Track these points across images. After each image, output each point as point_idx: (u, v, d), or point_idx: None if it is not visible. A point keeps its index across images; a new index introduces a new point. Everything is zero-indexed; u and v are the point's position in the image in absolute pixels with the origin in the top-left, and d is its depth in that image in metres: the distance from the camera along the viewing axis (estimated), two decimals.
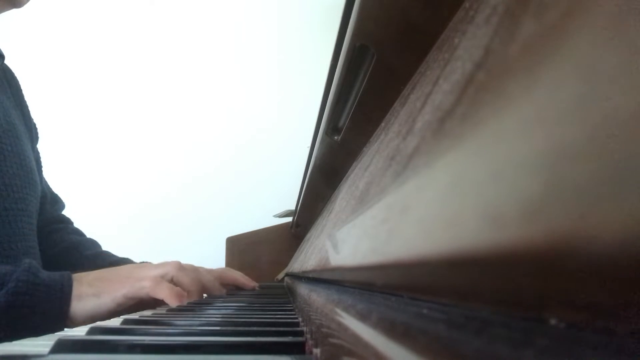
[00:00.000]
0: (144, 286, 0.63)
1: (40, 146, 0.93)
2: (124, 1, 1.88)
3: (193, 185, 1.83)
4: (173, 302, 0.63)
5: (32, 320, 0.55)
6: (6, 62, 0.83)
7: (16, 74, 0.87)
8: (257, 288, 0.92)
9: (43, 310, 0.56)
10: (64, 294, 0.59)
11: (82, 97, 1.84)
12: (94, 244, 0.94)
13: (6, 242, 0.68)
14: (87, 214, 1.70)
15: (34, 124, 0.89)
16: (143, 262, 0.70)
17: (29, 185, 0.75)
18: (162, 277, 0.66)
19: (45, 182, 0.94)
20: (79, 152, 1.81)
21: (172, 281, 0.67)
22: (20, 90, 0.87)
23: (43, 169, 0.92)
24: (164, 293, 0.63)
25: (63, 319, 0.58)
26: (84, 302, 0.60)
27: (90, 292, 0.61)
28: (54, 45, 1.81)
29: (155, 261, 0.85)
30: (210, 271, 0.82)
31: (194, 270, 0.73)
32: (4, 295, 0.54)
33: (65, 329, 0.41)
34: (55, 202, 0.96)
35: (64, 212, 1.00)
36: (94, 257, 0.87)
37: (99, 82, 1.85)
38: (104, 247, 0.97)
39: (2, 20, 0.79)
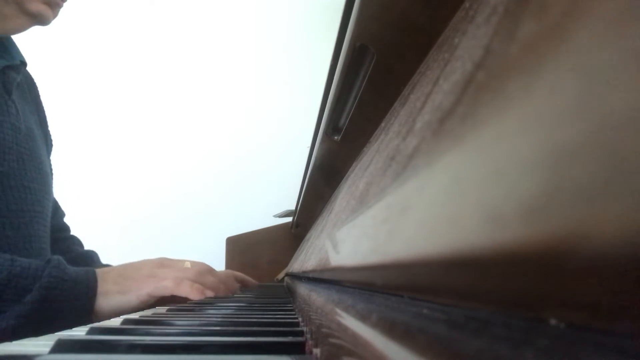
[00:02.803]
0: (167, 285, 0.69)
1: None
2: (124, 1, 1.88)
3: (193, 185, 1.83)
4: (196, 298, 0.69)
5: (62, 312, 0.60)
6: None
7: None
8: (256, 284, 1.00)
9: (71, 304, 0.61)
10: (90, 290, 0.64)
11: (81, 99, 1.84)
12: (96, 256, 0.99)
13: (21, 243, 0.71)
14: (88, 214, 1.70)
15: (49, 132, 0.92)
16: (161, 258, 0.75)
17: (44, 188, 0.78)
18: (182, 279, 0.71)
19: None
20: (79, 154, 1.81)
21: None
22: (39, 97, 0.89)
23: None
24: (186, 291, 0.69)
25: (89, 312, 0.64)
26: (110, 299, 0.65)
27: (115, 290, 0.66)
28: (53, 46, 1.81)
29: None
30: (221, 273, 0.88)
31: (210, 272, 0.79)
32: (38, 289, 0.59)
33: (71, 328, 0.41)
34: (56, 211, 0.99)
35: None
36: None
37: (99, 84, 1.85)
38: (107, 247, 1.00)
39: None
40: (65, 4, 0.76)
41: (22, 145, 0.74)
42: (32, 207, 0.73)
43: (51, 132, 0.91)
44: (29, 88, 0.86)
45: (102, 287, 0.65)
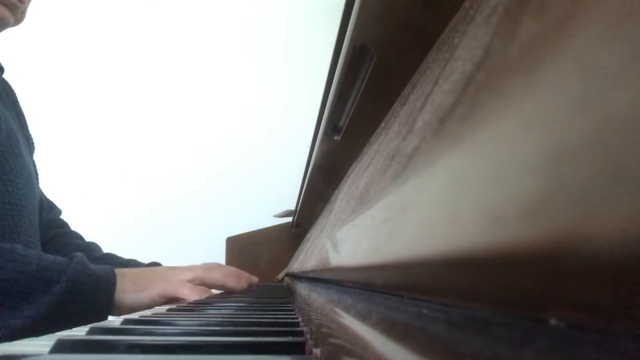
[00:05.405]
0: (171, 289, 0.76)
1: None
2: (124, 1, 1.88)
3: (193, 185, 1.83)
4: (196, 298, 0.76)
5: (84, 305, 0.65)
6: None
7: (13, 80, 0.90)
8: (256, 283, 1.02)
9: (94, 297, 0.67)
10: (110, 286, 0.71)
11: (81, 99, 1.84)
12: (98, 246, 1.02)
13: (8, 234, 0.73)
14: (88, 213, 1.70)
15: (30, 135, 0.94)
16: (174, 266, 0.82)
17: (29, 185, 0.80)
18: (191, 280, 0.79)
19: (40, 190, 0.97)
20: (81, 155, 1.81)
21: (204, 282, 0.81)
22: (17, 102, 0.91)
23: (40, 177, 0.95)
24: (185, 293, 0.76)
25: (109, 306, 0.70)
26: (127, 295, 0.73)
27: (131, 288, 0.73)
28: (52, 46, 1.81)
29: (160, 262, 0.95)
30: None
31: (219, 266, 0.87)
32: (66, 281, 0.64)
33: (68, 329, 0.41)
34: (51, 209, 1.02)
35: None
36: (104, 259, 0.95)
37: (99, 84, 1.85)
38: (107, 248, 1.01)
39: None
40: (30, 4, 0.76)
41: (4, 144, 0.76)
42: (19, 201, 0.76)
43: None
44: (7, 94, 0.88)
45: (120, 284, 0.72)
